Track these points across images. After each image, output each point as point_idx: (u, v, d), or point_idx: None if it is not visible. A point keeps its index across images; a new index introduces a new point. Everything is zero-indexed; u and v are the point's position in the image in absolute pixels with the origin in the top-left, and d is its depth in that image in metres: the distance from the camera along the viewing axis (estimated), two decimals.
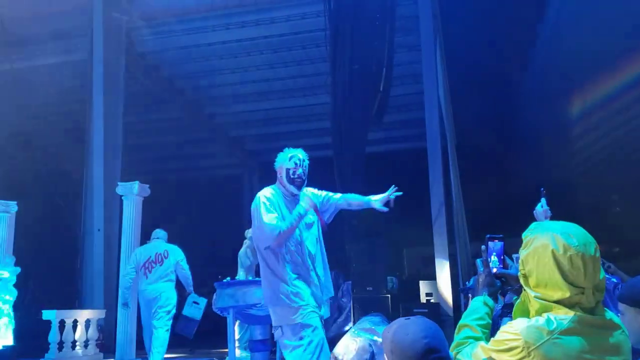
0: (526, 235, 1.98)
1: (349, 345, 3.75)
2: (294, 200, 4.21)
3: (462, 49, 10.93)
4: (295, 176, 4.18)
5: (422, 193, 10.76)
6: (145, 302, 7.60)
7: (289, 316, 3.97)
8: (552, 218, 3.88)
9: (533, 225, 2.01)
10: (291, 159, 4.22)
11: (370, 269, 10.10)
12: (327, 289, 4.25)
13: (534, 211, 4.13)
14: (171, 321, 7.60)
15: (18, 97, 12.56)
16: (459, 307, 10.38)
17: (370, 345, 3.68)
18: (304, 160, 4.26)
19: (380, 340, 3.80)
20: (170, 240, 7.95)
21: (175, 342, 11.63)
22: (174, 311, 7.68)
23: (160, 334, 7.44)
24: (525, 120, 12.22)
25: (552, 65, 11.80)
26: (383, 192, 4.31)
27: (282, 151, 4.33)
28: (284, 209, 4.12)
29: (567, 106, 11.57)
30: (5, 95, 12.15)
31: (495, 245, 2.20)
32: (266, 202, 4.08)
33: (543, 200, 4.08)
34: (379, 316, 4.44)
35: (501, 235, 2.23)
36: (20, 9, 10.81)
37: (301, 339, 3.93)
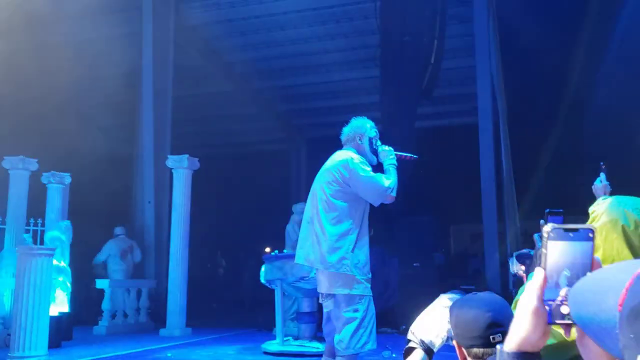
0: (593, 210, 1.88)
1: (427, 321, 3.72)
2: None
3: (516, 21, 10.55)
4: (376, 147, 4.13)
5: (471, 169, 10.55)
6: None
7: (350, 285, 3.82)
8: (612, 194, 3.71)
9: (601, 199, 1.91)
10: (371, 128, 4.17)
11: (416, 245, 10.01)
12: None
13: (593, 186, 3.97)
14: None
15: (71, 71, 12.79)
16: (507, 284, 10.21)
17: (448, 322, 3.65)
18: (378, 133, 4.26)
19: None
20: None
21: (225, 313, 11.89)
22: None
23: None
24: (581, 94, 11.77)
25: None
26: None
27: (348, 122, 4.24)
28: None
29: (629, 79, 11.07)
30: (59, 69, 12.39)
31: (555, 220, 2.10)
32: (360, 163, 3.95)
33: (602, 175, 3.92)
34: (459, 293, 4.39)
35: (561, 210, 2.13)
36: None
37: (356, 311, 3.81)
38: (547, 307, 0.83)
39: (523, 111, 12.28)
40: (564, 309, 0.82)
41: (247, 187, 14.80)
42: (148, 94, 11.44)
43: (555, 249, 0.84)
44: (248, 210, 14.79)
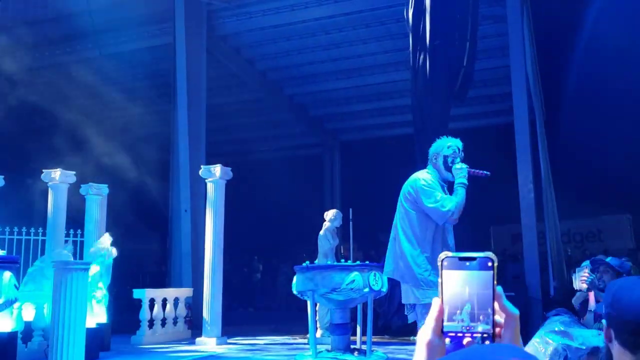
0: None
1: (540, 347, 3.66)
2: (446, 187, 4.32)
3: (550, 19, 10.31)
4: (451, 164, 4.28)
5: (509, 170, 10.34)
6: None
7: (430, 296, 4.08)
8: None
9: None
10: (449, 147, 4.32)
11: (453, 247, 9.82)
12: None
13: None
14: None
15: (107, 82, 13.06)
16: (548, 289, 9.93)
17: (564, 349, 3.57)
18: (461, 151, 4.32)
19: (574, 344, 3.69)
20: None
21: (260, 319, 11.94)
22: None
23: None
24: (620, 92, 11.41)
25: None
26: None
27: (439, 141, 4.37)
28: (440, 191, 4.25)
29: None
30: (96, 81, 12.66)
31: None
32: (425, 185, 4.19)
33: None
34: (568, 314, 4.24)
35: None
36: None
37: None
38: (447, 340, 0.78)
39: (562, 109, 12.00)
40: (466, 341, 0.77)
41: (282, 192, 14.83)
42: (183, 103, 11.58)
43: (452, 279, 0.79)
44: (283, 215, 14.82)
